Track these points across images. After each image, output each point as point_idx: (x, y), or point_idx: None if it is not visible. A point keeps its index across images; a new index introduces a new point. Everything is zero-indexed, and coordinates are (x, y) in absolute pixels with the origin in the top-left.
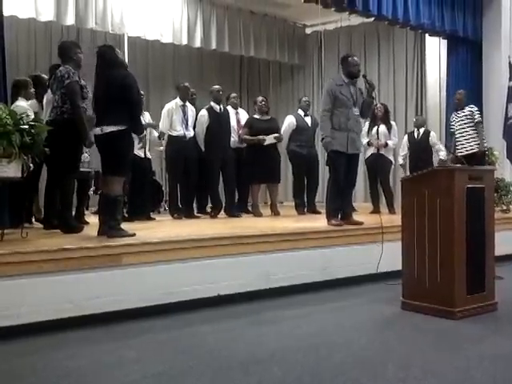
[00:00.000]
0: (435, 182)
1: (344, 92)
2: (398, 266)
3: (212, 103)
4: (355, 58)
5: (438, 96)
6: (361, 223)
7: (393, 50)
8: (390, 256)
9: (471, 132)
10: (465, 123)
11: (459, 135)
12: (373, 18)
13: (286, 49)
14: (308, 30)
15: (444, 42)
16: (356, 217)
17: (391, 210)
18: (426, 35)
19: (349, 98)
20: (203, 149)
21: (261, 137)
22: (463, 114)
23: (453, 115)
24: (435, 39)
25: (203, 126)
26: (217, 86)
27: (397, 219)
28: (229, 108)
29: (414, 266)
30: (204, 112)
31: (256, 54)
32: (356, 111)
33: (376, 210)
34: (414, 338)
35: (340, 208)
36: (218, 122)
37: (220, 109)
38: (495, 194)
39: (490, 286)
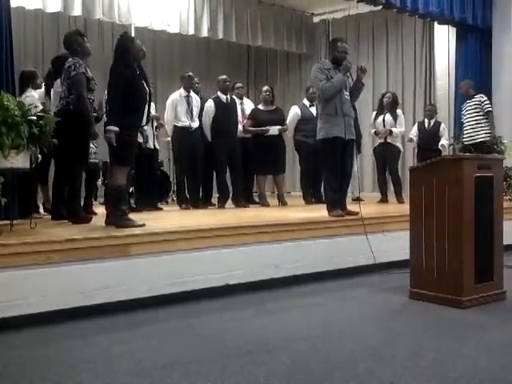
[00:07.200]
0: (443, 171)
1: (333, 75)
2: (406, 256)
3: (219, 93)
4: (345, 45)
5: (446, 85)
6: (356, 213)
7: (401, 38)
8: (397, 246)
9: (478, 121)
10: (473, 112)
11: (466, 124)
12: (381, 6)
13: (294, 38)
14: (316, 19)
15: (453, 30)
16: (362, 206)
17: (399, 200)
18: (435, 23)
19: None
20: (210, 139)
21: (264, 128)
22: (473, 103)
23: (464, 104)
24: (444, 27)
25: (210, 115)
26: (223, 76)
27: (405, 208)
28: (234, 98)
29: (422, 255)
30: (210, 102)
31: (263, 43)
32: (347, 95)
33: (384, 199)
34: (422, 327)
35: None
36: (225, 112)
37: (227, 99)
38: (504, 183)
39: (499, 275)
